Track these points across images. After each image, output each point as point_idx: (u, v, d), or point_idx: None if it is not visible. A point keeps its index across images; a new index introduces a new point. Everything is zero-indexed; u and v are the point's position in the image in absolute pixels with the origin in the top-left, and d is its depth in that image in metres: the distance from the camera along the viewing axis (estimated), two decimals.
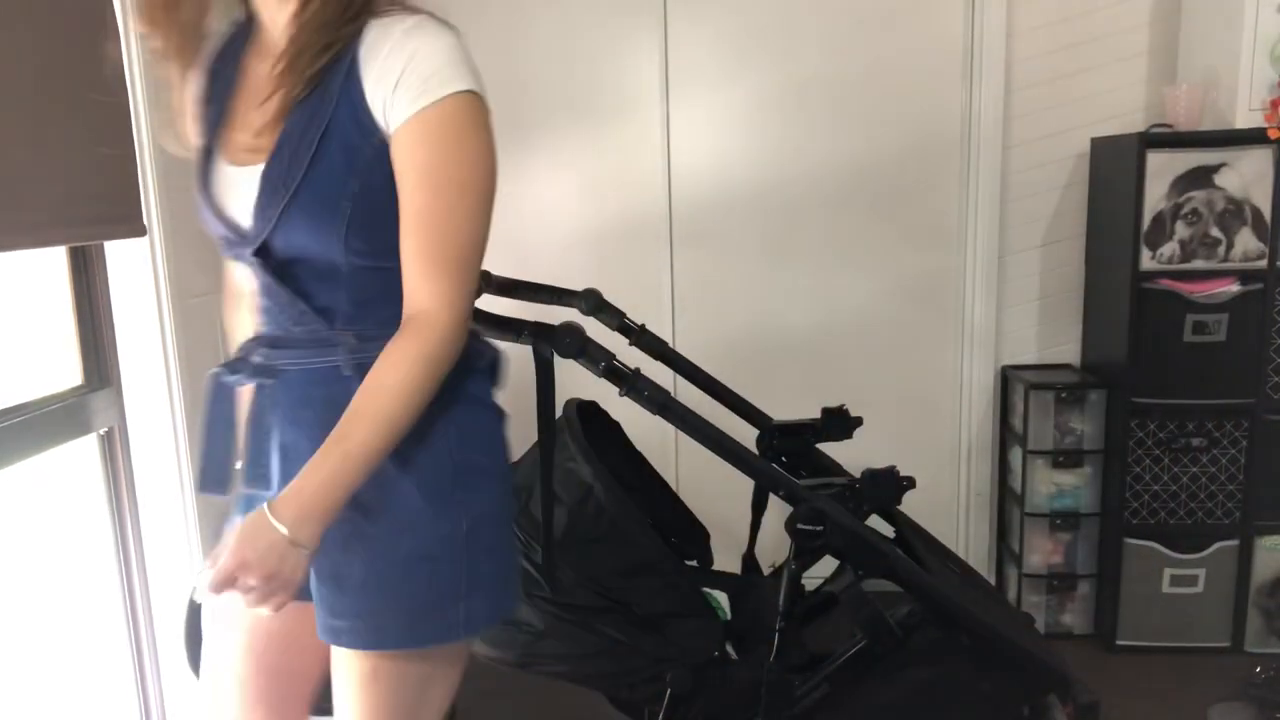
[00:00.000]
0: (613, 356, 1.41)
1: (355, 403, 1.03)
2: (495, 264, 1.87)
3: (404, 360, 1.03)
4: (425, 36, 1.02)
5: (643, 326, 1.95)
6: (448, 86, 1.02)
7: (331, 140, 1.03)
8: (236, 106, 1.13)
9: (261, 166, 1.05)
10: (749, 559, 2.01)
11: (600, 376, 1.41)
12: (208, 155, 1.14)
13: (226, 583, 0.99)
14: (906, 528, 1.80)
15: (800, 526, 1.47)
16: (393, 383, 1.02)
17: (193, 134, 1.17)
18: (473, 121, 1.04)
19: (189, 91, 1.18)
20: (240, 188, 1.09)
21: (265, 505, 1.01)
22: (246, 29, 1.16)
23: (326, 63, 1.03)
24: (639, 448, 1.83)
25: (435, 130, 1.02)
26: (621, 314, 1.92)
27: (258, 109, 1.08)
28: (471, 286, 1.07)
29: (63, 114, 1.61)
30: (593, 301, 1.89)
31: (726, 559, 2.01)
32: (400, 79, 1.01)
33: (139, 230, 1.85)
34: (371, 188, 1.04)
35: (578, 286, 1.92)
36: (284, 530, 0.99)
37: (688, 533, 1.83)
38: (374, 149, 1.04)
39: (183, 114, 1.19)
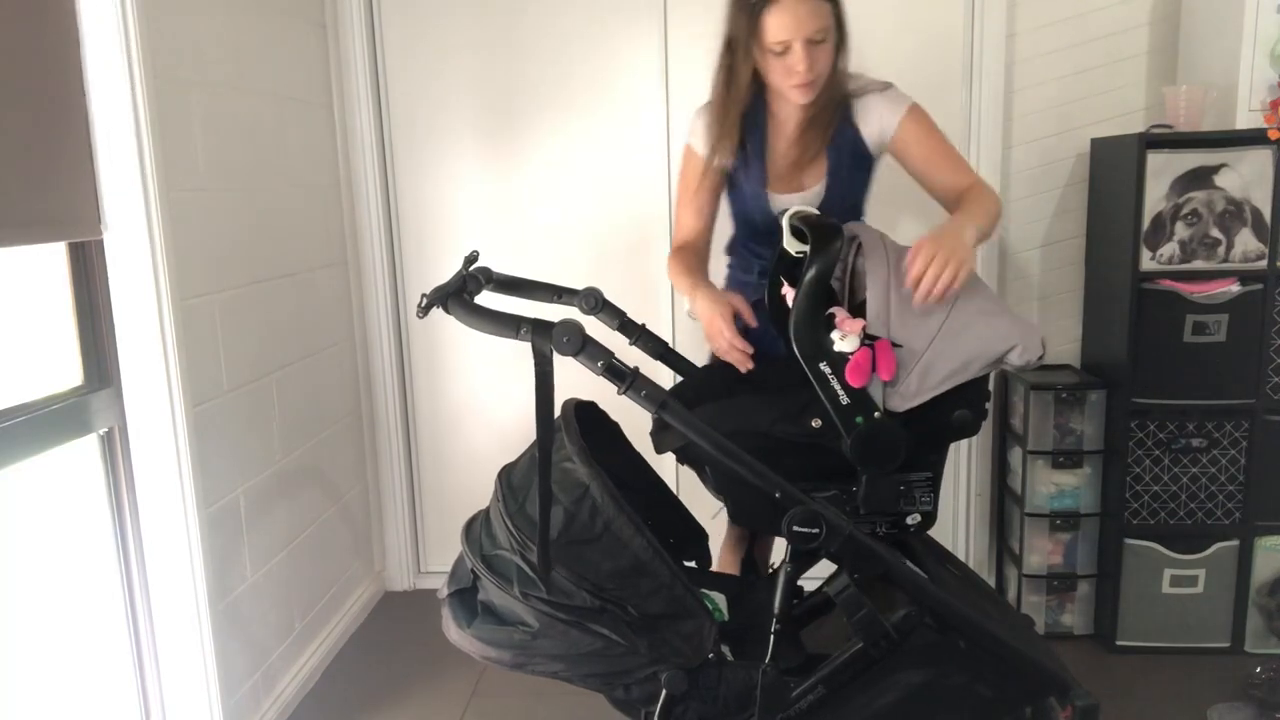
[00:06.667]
0: (612, 355, 1.40)
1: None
2: (495, 262, 1.88)
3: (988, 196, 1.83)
4: (891, 90, 1.96)
5: (643, 326, 1.95)
6: (906, 101, 1.95)
7: (855, 169, 1.96)
8: (773, 159, 1.97)
9: (812, 192, 1.95)
10: (748, 560, 2.01)
11: (599, 375, 1.41)
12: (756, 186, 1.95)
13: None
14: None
15: (796, 529, 1.47)
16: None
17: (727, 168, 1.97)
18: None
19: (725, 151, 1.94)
20: (793, 205, 1.85)
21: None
22: (761, 116, 1.96)
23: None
24: (638, 448, 1.83)
25: (920, 118, 1.94)
26: (622, 313, 1.93)
27: (792, 161, 1.96)
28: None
29: (13, 117, 1.61)
30: (593, 300, 1.90)
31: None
32: (885, 115, 1.93)
33: (94, 232, 1.85)
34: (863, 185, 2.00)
35: (578, 285, 1.93)
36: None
37: (686, 533, 1.83)
38: (871, 165, 1.98)
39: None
